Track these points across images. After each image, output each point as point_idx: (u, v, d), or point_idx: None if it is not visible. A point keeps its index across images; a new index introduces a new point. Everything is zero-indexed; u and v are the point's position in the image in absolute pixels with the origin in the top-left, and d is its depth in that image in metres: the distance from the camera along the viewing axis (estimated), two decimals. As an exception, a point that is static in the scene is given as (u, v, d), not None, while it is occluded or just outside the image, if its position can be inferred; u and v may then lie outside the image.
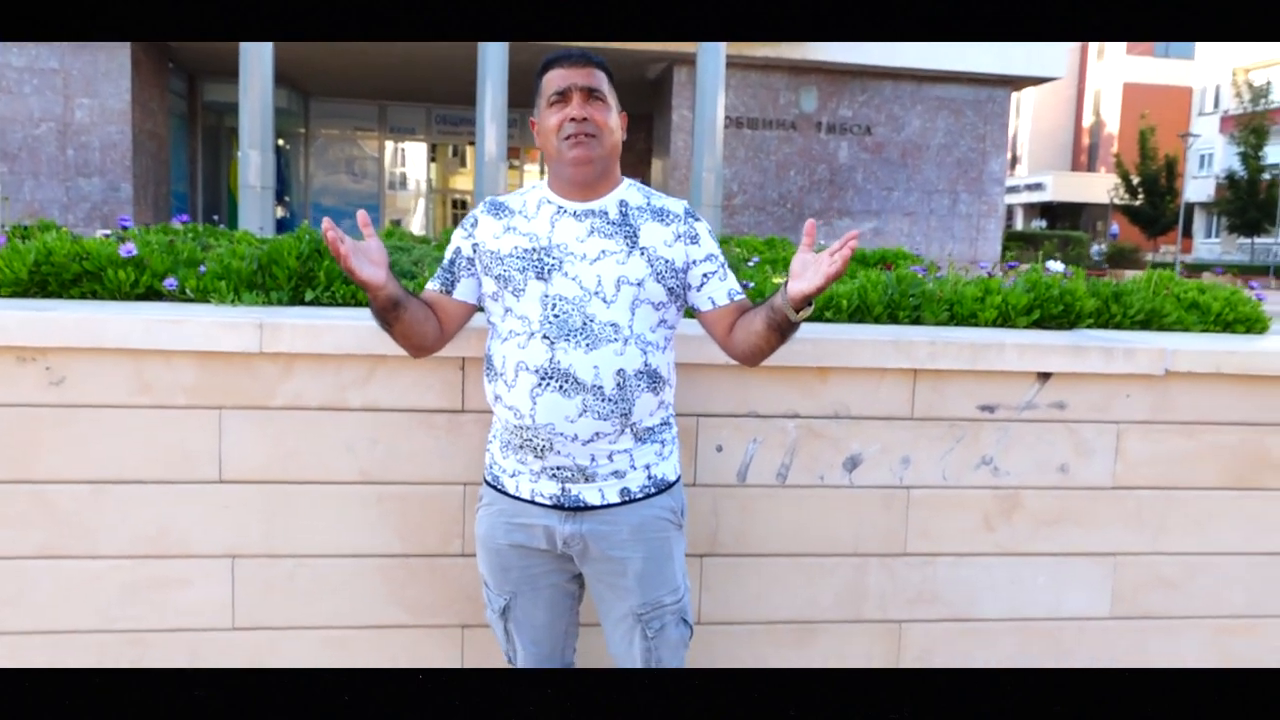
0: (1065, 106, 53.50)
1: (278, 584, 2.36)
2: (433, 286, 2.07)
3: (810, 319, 2.82)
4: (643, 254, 1.93)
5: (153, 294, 2.62)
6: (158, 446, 2.28)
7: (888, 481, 2.54)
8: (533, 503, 1.97)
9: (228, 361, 2.28)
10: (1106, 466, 2.60)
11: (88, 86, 12.33)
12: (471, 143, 17.22)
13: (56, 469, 2.26)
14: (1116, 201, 39.58)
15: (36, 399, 2.23)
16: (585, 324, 1.88)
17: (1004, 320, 2.88)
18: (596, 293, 1.90)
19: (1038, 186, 49.04)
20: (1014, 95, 15.71)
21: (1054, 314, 2.90)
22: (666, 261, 1.94)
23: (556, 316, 1.89)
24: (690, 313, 2.09)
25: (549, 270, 1.91)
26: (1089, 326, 2.92)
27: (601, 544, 1.96)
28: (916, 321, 2.87)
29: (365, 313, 2.49)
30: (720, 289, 2.00)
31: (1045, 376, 2.55)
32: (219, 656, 2.37)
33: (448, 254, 2.06)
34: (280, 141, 16.81)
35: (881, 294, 2.85)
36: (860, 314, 2.85)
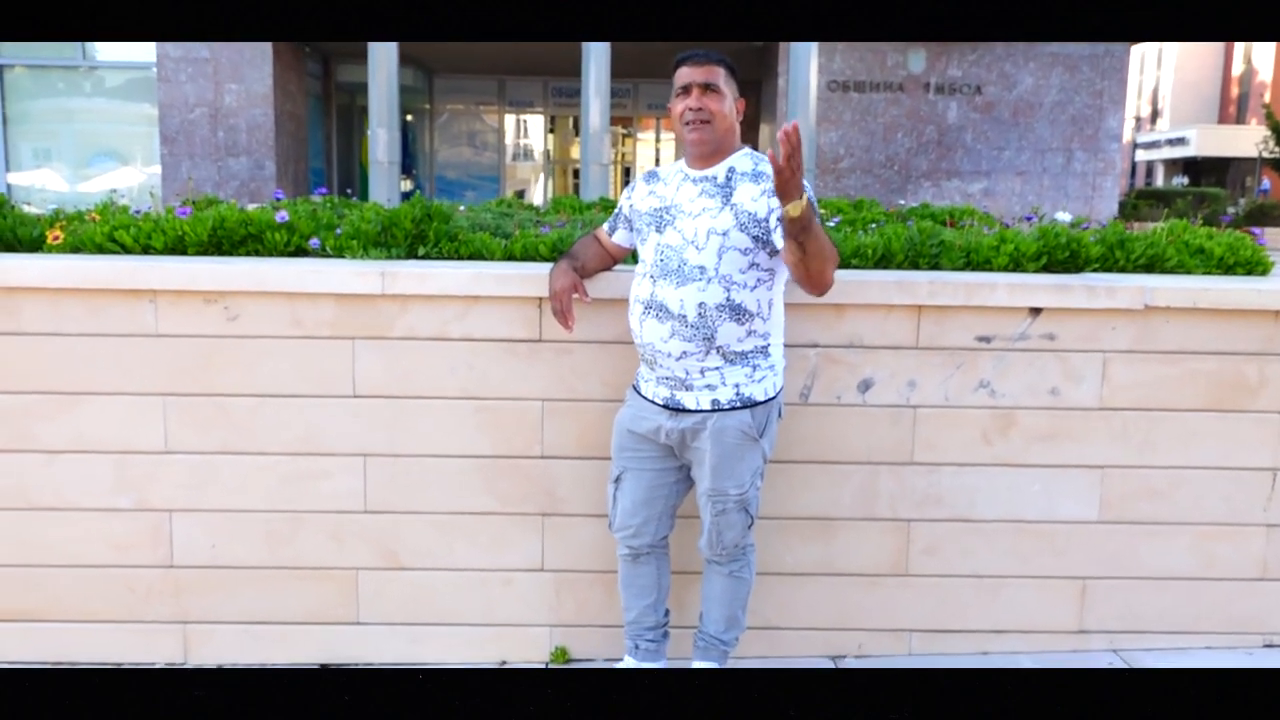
0: (1213, 56, 50.47)
1: (398, 477, 3.00)
2: (604, 226, 2.82)
3: (840, 266, 3.29)
4: (732, 209, 2.44)
5: (300, 251, 3.28)
6: (306, 368, 2.94)
7: (896, 401, 2.99)
8: (652, 402, 2.59)
9: (359, 301, 2.90)
10: (1094, 390, 2.99)
11: (235, 73, 13.47)
12: (588, 114, 17.80)
13: (231, 385, 2.94)
14: (1266, 155, 37.34)
15: (217, 331, 2.91)
16: (680, 266, 2.46)
17: (1015, 266, 3.27)
18: (692, 242, 2.46)
19: (1180, 141, 46.56)
20: (1140, 47, 15.28)
21: (1061, 260, 3.27)
22: (750, 214, 2.43)
23: (662, 260, 2.49)
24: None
25: (665, 225, 2.51)
26: (1094, 270, 3.28)
27: (690, 439, 2.55)
28: (936, 267, 3.28)
29: (465, 264, 3.09)
30: None
31: (1036, 311, 2.95)
32: (355, 534, 3.02)
33: (617, 208, 2.78)
34: (408, 117, 17.80)
35: (903, 244, 3.28)
36: (884, 261, 3.29)
